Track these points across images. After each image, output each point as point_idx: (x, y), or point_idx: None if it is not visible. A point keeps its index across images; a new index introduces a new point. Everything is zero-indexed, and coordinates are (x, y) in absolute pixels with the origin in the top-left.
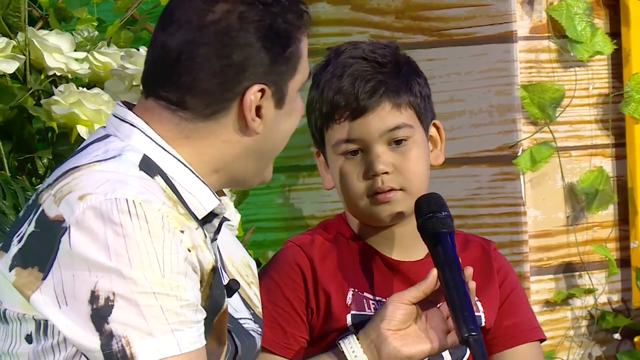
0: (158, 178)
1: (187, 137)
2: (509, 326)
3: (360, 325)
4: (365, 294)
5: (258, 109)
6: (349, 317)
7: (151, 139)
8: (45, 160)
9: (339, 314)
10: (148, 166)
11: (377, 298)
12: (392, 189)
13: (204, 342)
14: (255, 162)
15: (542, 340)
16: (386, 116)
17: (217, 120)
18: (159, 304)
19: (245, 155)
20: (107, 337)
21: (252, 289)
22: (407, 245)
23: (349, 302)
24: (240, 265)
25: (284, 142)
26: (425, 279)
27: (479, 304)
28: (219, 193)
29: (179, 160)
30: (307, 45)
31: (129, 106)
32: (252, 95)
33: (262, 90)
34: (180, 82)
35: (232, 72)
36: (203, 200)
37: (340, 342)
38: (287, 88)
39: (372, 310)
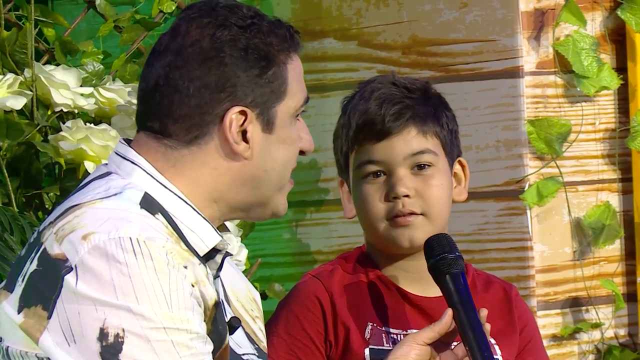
0: (159, 216)
1: (174, 166)
2: None
3: (379, 359)
4: (383, 328)
5: (244, 134)
6: (367, 352)
7: (152, 176)
8: (52, 196)
9: (357, 348)
10: (149, 204)
11: (396, 332)
12: (412, 213)
13: None
14: (252, 190)
15: None
16: (411, 140)
17: (201, 146)
18: (170, 339)
19: (239, 183)
20: None
21: (257, 324)
22: (427, 281)
23: (368, 337)
24: (245, 299)
25: (283, 170)
26: (440, 319)
27: (497, 347)
28: (222, 228)
29: (179, 197)
30: (298, 69)
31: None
32: (233, 116)
33: (243, 113)
34: (160, 109)
35: (207, 94)
36: (204, 237)
37: None
38: (275, 112)
39: (390, 345)
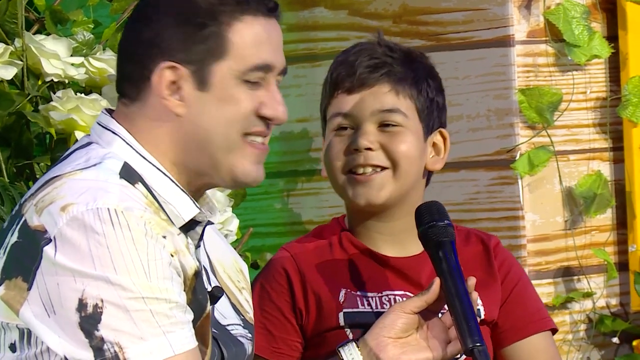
0: (139, 185)
1: (131, 122)
2: (518, 318)
3: (354, 323)
4: (358, 292)
5: (180, 91)
6: (341, 316)
7: (132, 147)
8: (43, 166)
9: (330, 313)
10: (129, 174)
11: (371, 294)
12: (376, 166)
13: (196, 343)
14: (200, 152)
15: (554, 332)
16: (382, 96)
17: (142, 101)
18: (149, 308)
19: (184, 143)
20: (98, 344)
21: (243, 295)
22: (402, 241)
23: (342, 300)
24: (232, 270)
25: (228, 131)
26: (427, 288)
27: (478, 299)
28: (200, 194)
29: (158, 169)
30: (253, 32)
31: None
32: (162, 71)
33: (172, 68)
34: (118, 72)
35: (142, 49)
36: (181, 210)
37: (340, 349)
38: (210, 70)
39: (366, 307)
